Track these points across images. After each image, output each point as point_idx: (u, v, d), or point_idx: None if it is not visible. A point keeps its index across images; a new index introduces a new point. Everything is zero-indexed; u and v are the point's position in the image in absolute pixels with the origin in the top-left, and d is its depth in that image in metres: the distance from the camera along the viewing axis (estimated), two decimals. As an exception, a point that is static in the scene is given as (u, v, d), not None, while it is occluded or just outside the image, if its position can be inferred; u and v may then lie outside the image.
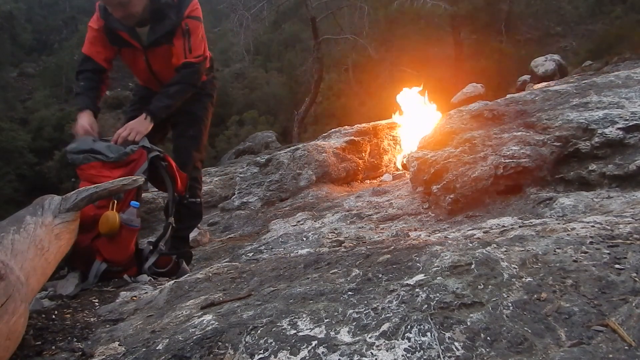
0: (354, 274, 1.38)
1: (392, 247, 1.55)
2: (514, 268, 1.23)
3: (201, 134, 2.84)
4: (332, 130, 5.69)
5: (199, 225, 3.86)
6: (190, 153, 2.79)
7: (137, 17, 2.48)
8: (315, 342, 1.03)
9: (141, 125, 2.47)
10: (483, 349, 0.95)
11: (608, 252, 1.24)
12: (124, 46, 2.62)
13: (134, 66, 2.72)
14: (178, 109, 2.73)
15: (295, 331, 1.09)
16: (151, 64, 2.65)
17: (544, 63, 9.88)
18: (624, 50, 13.14)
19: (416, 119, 5.06)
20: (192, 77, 2.63)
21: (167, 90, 2.59)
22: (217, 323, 1.20)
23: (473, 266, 1.25)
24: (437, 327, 1.02)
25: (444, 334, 1.00)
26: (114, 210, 2.18)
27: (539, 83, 8.26)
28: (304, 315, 1.15)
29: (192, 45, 2.55)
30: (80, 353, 1.30)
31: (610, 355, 0.89)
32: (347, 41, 16.35)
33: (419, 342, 0.99)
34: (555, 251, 1.29)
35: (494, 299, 1.10)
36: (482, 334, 0.99)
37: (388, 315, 1.10)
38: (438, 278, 1.22)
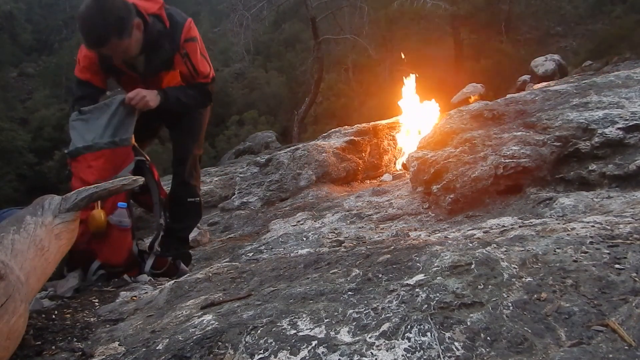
0: (354, 274, 1.38)
1: (392, 247, 1.55)
2: (514, 268, 1.23)
3: (199, 131, 2.80)
4: (332, 130, 5.69)
5: (198, 225, 3.86)
6: (189, 150, 2.75)
7: (135, 56, 2.44)
8: (315, 342, 1.03)
9: (151, 95, 2.43)
10: (483, 349, 0.95)
11: (608, 252, 1.24)
12: (121, 75, 2.58)
13: (131, 90, 2.61)
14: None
15: (295, 331, 1.09)
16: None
17: (544, 63, 9.89)
18: (624, 50, 13.16)
19: (417, 118, 5.07)
20: (204, 96, 2.64)
21: (184, 89, 2.58)
22: (217, 323, 1.20)
23: (473, 266, 1.25)
24: (437, 327, 1.02)
25: (444, 334, 1.00)
26: (100, 209, 2.18)
27: (539, 83, 8.27)
28: (304, 315, 1.15)
29: (195, 67, 2.53)
30: (80, 353, 1.30)
31: (610, 355, 0.89)
32: (347, 41, 16.37)
33: (419, 342, 0.99)
34: (555, 251, 1.29)
35: (494, 299, 1.10)
36: (482, 334, 0.99)
37: (388, 315, 1.10)
38: (438, 278, 1.22)
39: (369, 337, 1.02)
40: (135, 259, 2.40)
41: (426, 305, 1.10)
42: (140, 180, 2.18)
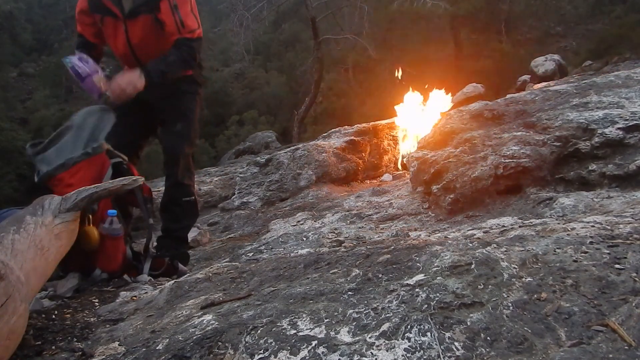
0: (354, 274, 1.38)
1: (392, 247, 1.55)
2: (514, 268, 1.23)
3: (190, 128, 2.73)
4: (332, 130, 5.69)
5: (198, 225, 3.86)
6: (181, 148, 2.69)
7: None
8: (315, 342, 1.03)
9: (135, 78, 2.42)
10: (483, 349, 0.95)
11: (608, 252, 1.24)
12: (106, 15, 2.58)
13: (113, 39, 2.65)
14: (165, 104, 2.66)
15: (295, 331, 1.09)
16: (130, 36, 2.58)
17: (544, 63, 9.88)
18: (624, 50, 13.15)
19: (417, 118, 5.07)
20: (187, 53, 2.59)
21: (165, 58, 2.55)
22: (217, 323, 1.20)
23: (473, 266, 1.25)
24: (437, 327, 1.02)
25: (444, 333, 1.00)
26: (91, 224, 2.11)
27: (539, 83, 8.26)
28: (304, 315, 1.15)
29: (183, 20, 2.50)
30: (80, 353, 1.30)
31: (610, 355, 0.89)
32: (347, 41, 16.36)
33: (419, 342, 0.99)
34: (555, 251, 1.29)
35: (494, 299, 1.10)
36: (482, 334, 0.99)
37: (388, 315, 1.10)
38: (438, 278, 1.22)
39: (369, 337, 1.02)
40: (131, 263, 2.37)
41: (426, 305, 1.10)
42: (141, 179, 2.18)
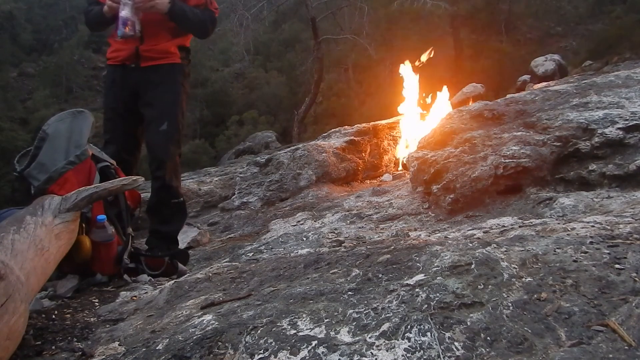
0: (354, 274, 1.38)
1: (392, 247, 1.55)
2: (514, 268, 1.23)
3: (177, 126, 2.64)
4: (332, 130, 5.69)
5: (199, 225, 3.86)
6: (167, 151, 2.61)
7: None
8: (315, 342, 1.03)
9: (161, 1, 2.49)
10: (483, 349, 0.95)
11: (608, 252, 1.24)
12: None
13: None
14: (151, 96, 2.61)
15: (295, 331, 1.09)
16: None
17: (544, 63, 9.88)
18: (624, 50, 13.18)
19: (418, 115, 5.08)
20: (209, 19, 2.70)
21: (191, 7, 2.63)
22: (217, 323, 1.20)
23: (473, 266, 1.25)
24: (437, 327, 1.02)
25: (444, 333, 1.00)
26: (84, 233, 2.06)
27: (539, 83, 8.26)
28: (304, 315, 1.15)
29: None
30: (80, 353, 1.30)
31: (610, 355, 0.89)
32: (347, 41, 16.39)
33: (419, 342, 0.99)
34: (555, 251, 1.29)
35: (494, 299, 1.10)
36: (482, 334, 0.99)
37: (388, 315, 1.10)
38: (438, 278, 1.22)
39: (369, 337, 1.02)
40: (127, 265, 2.34)
41: (426, 305, 1.10)
42: (141, 179, 2.17)
